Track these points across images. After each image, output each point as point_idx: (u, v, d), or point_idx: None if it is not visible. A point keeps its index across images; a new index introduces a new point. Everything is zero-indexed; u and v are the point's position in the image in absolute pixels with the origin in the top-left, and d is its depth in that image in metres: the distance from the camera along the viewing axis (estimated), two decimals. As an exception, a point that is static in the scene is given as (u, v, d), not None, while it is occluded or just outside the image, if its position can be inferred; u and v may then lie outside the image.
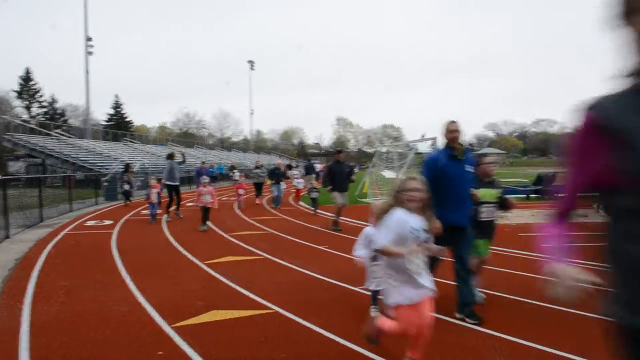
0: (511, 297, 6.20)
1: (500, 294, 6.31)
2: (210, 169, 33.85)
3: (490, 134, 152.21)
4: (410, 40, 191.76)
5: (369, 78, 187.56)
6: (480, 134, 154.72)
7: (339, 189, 12.82)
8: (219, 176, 42.17)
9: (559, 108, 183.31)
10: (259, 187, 21.10)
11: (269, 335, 4.92)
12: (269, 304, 5.97)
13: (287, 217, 14.98)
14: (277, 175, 19.54)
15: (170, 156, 15.81)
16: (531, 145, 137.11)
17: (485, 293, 6.36)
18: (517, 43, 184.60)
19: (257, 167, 21.97)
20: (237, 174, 29.92)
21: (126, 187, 20.73)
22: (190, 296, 6.36)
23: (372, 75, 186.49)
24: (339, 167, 13.05)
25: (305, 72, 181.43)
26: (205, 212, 12.57)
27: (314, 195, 16.60)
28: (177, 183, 15.35)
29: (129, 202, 20.46)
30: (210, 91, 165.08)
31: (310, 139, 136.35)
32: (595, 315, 5.38)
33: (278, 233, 12.01)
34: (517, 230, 11.78)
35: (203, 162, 28.21)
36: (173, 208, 15.43)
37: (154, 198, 14.50)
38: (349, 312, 5.68)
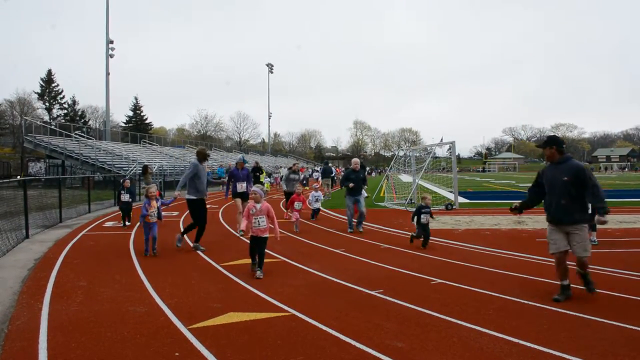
0: (528, 302, 6.10)
1: (517, 299, 6.22)
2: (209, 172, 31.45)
3: (509, 139, 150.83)
4: (429, 44, 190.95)
5: (387, 82, 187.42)
6: (499, 138, 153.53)
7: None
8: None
9: (578, 113, 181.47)
10: (291, 196, 14.68)
11: (285, 338, 4.91)
12: (286, 307, 5.95)
13: (303, 220, 14.96)
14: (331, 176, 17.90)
15: (203, 156, 10.49)
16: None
17: (502, 299, 6.28)
18: (537, 48, 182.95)
19: (293, 172, 17.13)
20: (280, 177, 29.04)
21: (126, 197, 14.17)
22: (207, 298, 6.37)
23: (390, 79, 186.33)
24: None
25: (323, 75, 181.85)
26: (260, 244, 7.81)
27: (316, 206, 16.08)
28: (203, 197, 10.29)
29: (127, 224, 13.96)
30: (229, 94, 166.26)
31: (327, 142, 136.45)
32: (616, 323, 5.29)
33: (294, 236, 12.00)
34: (535, 235, 11.63)
35: (294, 164, 20.46)
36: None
37: (152, 216, 9.63)
38: (365, 315, 5.64)
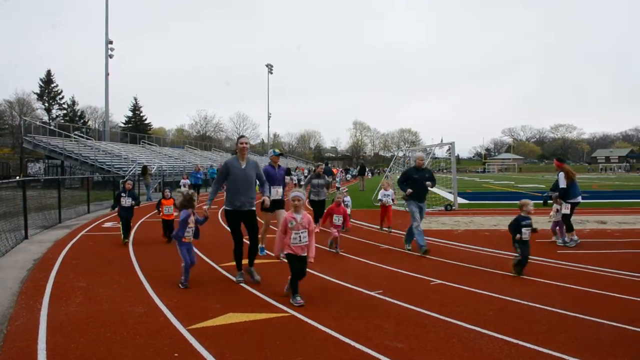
0: (528, 303, 6.11)
1: (516, 300, 6.22)
2: (197, 174, 27.25)
3: (508, 139, 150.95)
4: (428, 44, 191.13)
5: (387, 82, 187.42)
6: (498, 139, 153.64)
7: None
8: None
9: (577, 113, 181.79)
10: (319, 207, 12.96)
11: (285, 339, 4.91)
12: (285, 308, 5.95)
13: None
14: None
15: (241, 150, 7.57)
16: (549, 150, 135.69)
17: (501, 299, 6.29)
18: (537, 48, 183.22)
19: (317, 176, 13.35)
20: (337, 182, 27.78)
21: (127, 202, 11.23)
22: (206, 299, 6.37)
23: (390, 79, 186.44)
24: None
25: (323, 76, 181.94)
26: (303, 265, 6.35)
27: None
28: (239, 207, 7.49)
29: (127, 240, 11.11)
30: (229, 94, 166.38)
31: (327, 143, 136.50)
32: (615, 324, 5.30)
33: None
34: (533, 237, 11.61)
35: (319, 166, 15.30)
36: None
37: (189, 235, 7.33)
38: (364, 316, 5.64)
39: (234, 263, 8.53)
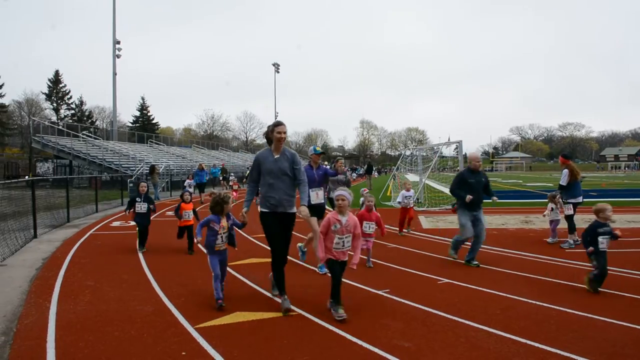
0: (536, 302, 6.08)
1: (524, 299, 6.20)
2: (202, 172, 24.51)
3: (516, 138, 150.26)
4: (434, 43, 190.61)
5: (393, 81, 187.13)
6: (506, 137, 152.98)
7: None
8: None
9: (586, 112, 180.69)
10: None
11: (292, 338, 4.91)
12: (292, 307, 5.95)
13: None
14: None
15: (269, 139, 6.32)
16: (557, 149, 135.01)
17: (509, 298, 6.27)
18: (544, 46, 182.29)
19: (340, 173, 10.28)
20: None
21: (143, 207, 10.02)
22: (213, 298, 6.37)
23: (396, 78, 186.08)
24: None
25: (330, 75, 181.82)
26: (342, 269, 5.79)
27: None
28: (278, 209, 6.13)
29: (142, 249, 9.94)
30: (236, 94, 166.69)
31: (334, 142, 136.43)
32: (624, 323, 5.27)
33: (302, 236, 11.99)
34: (542, 235, 11.58)
35: (338, 160, 11.29)
36: None
37: (221, 243, 6.34)
38: (371, 315, 5.63)
39: (241, 262, 8.55)
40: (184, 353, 4.54)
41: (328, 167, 10.71)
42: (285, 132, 6.13)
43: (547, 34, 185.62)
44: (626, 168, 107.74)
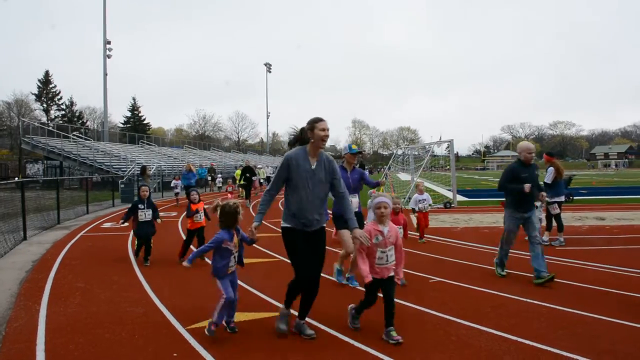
0: (527, 300, 6.11)
1: (515, 297, 6.22)
2: (189, 174, 21.08)
3: (507, 137, 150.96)
4: (427, 43, 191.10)
5: (385, 80, 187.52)
6: (497, 136, 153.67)
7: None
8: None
9: (576, 110, 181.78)
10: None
11: (284, 338, 4.90)
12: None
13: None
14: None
15: (301, 140, 5.17)
16: (548, 147, 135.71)
17: (500, 296, 6.29)
18: (536, 46, 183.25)
19: (362, 168, 10.82)
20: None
21: (147, 215, 8.87)
22: (205, 298, 6.36)
23: (389, 77, 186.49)
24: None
25: (321, 75, 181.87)
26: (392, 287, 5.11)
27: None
28: (306, 226, 4.97)
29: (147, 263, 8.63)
30: (227, 94, 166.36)
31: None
32: (614, 320, 5.30)
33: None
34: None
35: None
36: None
37: (233, 264, 5.20)
38: (364, 313, 5.63)
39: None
40: (175, 354, 4.52)
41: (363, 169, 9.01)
42: (328, 130, 4.89)
43: (538, 34, 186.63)
44: (616, 166, 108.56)
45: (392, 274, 4.91)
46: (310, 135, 4.89)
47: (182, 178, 21.84)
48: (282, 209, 5.16)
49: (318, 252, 4.99)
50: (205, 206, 8.90)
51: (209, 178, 32.25)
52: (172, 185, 24.40)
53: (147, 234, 8.77)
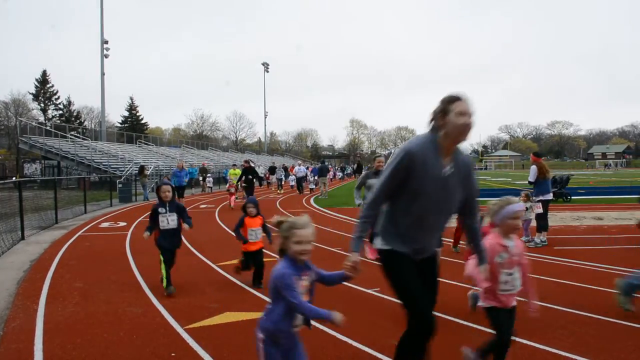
0: (523, 300, 6.10)
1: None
2: (181, 172, 20.24)
3: (505, 136, 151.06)
4: (426, 41, 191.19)
5: (383, 80, 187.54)
6: (495, 136, 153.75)
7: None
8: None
9: (574, 110, 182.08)
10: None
11: None
12: None
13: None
14: None
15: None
16: (546, 147, 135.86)
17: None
18: (534, 46, 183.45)
19: (377, 174, 8.60)
20: None
21: (172, 221, 6.83)
22: (203, 298, 6.36)
23: (386, 77, 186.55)
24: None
25: (319, 75, 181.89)
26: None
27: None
28: (420, 253, 3.54)
29: (171, 290, 6.64)
30: (225, 94, 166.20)
31: (323, 141, 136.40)
32: (614, 320, 5.31)
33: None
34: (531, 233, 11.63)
35: (376, 158, 10.09)
36: None
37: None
38: (362, 314, 5.64)
39: (231, 262, 8.44)
40: (173, 354, 4.51)
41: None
42: (472, 116, 3.18)
43: (535, 33, 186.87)
44: (615, 165, 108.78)
45: (514, 303, 3.86)
46: (441, 122, 3.20)
47: (172, 177, 20.25)
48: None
49: (432, 288, 3.69)
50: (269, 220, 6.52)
51: (200, 178, 32.14)
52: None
53: (172, 245, 6.85)
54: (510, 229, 3.72)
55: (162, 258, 6.75)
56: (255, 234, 7.01)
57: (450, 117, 3.13)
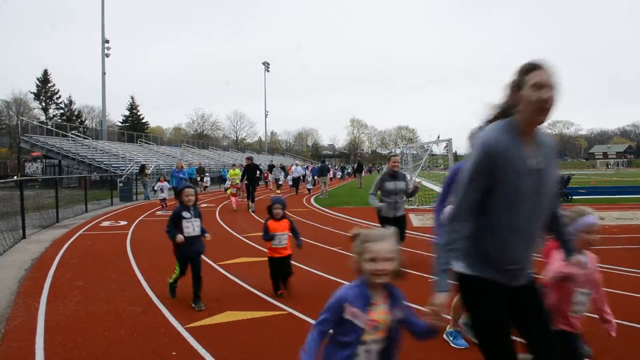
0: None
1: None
2: (180, 173, 19.91)
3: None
4: (427, 41, 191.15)
5: (384, 80, 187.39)
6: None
7: None
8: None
9: (575, 110, 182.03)
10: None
11: (282, 336, 4.91)
12: (283, 306, 5.95)
13: (299, 219, 14.92)
14: None
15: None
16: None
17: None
18: (533, 45, 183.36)
19: (392, 175, 8.06)
20: None
21: (195, 227, 6.16)
22: (203, 297, 6.35)
23: (387, 77, 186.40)
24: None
25: (320, 74, 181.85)
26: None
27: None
28: (507, 279, 2.69)
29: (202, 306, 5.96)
30: (226, 93, 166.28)
31: (324, 141, 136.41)
32: (615, 320, 5.31)
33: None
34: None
35: (391, 159, 8.84)
36: None
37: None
38: None
39: (232, 261, 8.47)
40: (174, 353, 4.52)
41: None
42: (553, 87, 2.66)
43: (536, 32, 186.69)
44: (615, 165, 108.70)
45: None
46: (513, 98, 2.59)
47: (171, 178, 19.63)
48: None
49: (541, 326, 2.85)
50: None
51: (198, 178, 32.16)
52: (155, 188, 19.95)
53: (195, 252, 6.18)
54: (585, 244, 3.31)
55: (177, 270, 6.27)
56: (279, 239, 6.39)
57: (524, 91, 2.52)
